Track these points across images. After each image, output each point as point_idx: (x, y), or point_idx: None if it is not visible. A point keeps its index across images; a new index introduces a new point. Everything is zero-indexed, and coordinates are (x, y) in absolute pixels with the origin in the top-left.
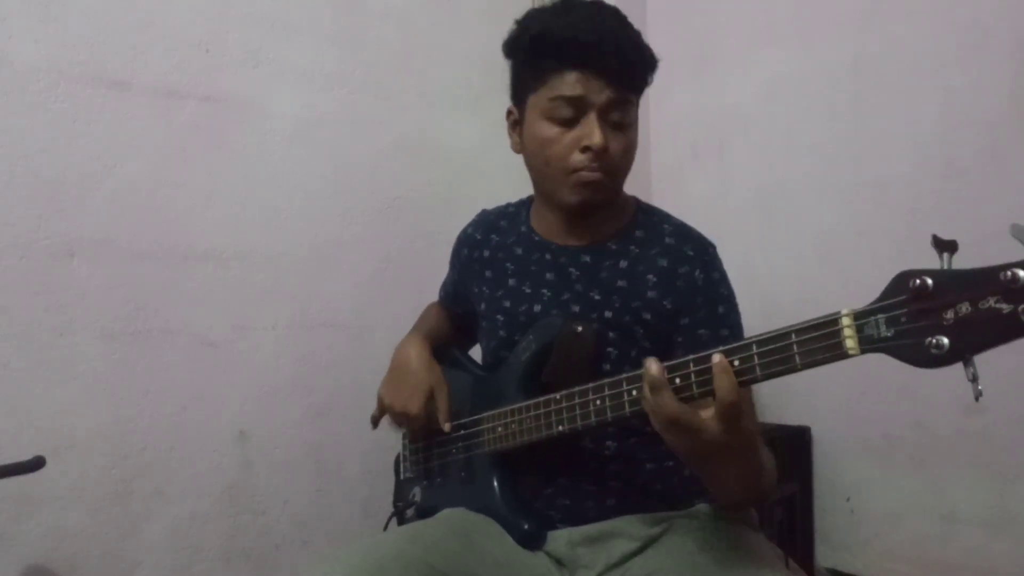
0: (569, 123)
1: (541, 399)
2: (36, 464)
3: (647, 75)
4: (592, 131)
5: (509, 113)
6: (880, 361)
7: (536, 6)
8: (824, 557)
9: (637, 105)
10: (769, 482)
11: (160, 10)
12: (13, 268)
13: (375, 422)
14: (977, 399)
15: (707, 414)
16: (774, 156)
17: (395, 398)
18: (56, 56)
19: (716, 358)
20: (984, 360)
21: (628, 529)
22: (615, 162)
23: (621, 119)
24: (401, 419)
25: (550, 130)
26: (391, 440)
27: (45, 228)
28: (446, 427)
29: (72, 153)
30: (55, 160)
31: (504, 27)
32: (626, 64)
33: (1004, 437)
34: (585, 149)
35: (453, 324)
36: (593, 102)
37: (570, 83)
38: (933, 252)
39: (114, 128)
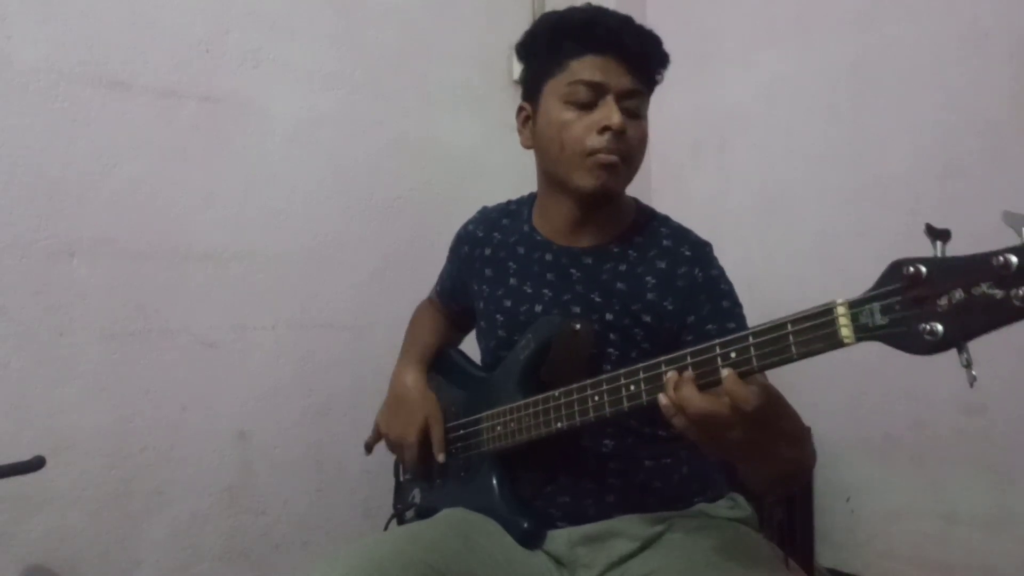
0: (587, 107)
1: (540, 397)
2: (36, 464)
3: (661, 69)
4: (611, 113)
5: (520, 110)
6: (880, 361)
7: (535, 8)
8: (824, 557)
9: (648, 102)
10: (808, 456)
11: (160, 10)
12: (13, 268)
13: (369, 448)
14: (972, 384)
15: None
16: (774, 156)
17: (392, 428)
18: (56, 56)
19: (725, 372)
20: (984, 360)
21: (628, 529)
22: (632, 148)
23: (636, 109)
24: (397, 448)
25: (568, 114)
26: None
27: (45, 228)
28: (440, 458)
29: (72, 153)
30: (55, 160)
31: (504, 27)
32: (644, 52)
33: (1004, 437)
34: (604, 130)
35: (448, 323)
36: (612, 87)
37: (590, 67)
38: (932, 249)
39: (114, 128)
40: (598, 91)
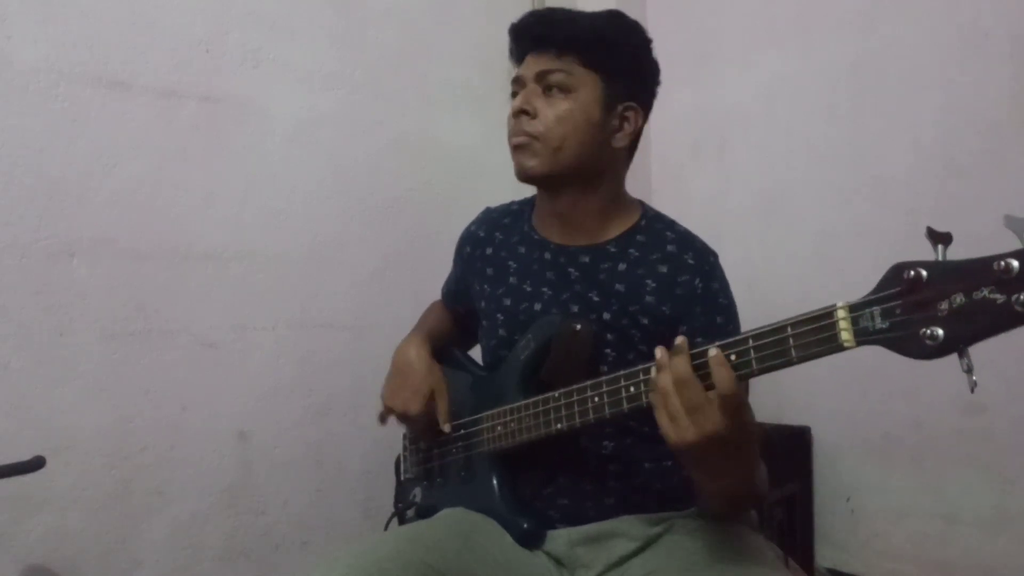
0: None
1: (540, 398)
2: (36, 464)
3: (581, 39)
4: (517, 99)
5: None
6: (880, 361)
7: (535, 7)
8: (824, 557)
9: (586, 73)
10: (762, 487)
11: (160, 10)
12: (13, 268)
13: (383, 419)
14: (972, 390)
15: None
16: (774, 156)
17: (395, 399)
18: (56, 56)
19: (712, 352)
20: (984, 360)
21: (628, 529)
22: (543, 127)
23: (562, 83)
24: (402, 420)
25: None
26: (391, 440)
27: (45, 228)
28: (446, 428)
29: (72, 153)
30: (55, 160)
31: (504, 27)
32: (547, 31)
33: (1004, 437)
34: (513, 116)
35: (454, 323)
36: (527, 76)
37: (519, 67)
38: (933, 252)
39: (114, 128)
40: (521, 85)
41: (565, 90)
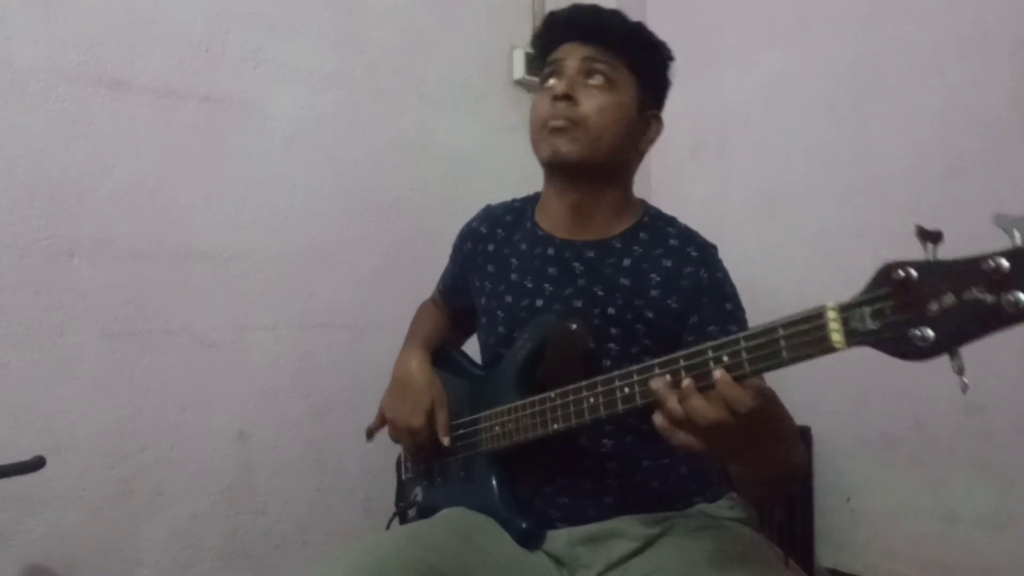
0: (552, 87)
1: (536, 398)
2: (36, 464)
3: (630, 39)
4: (559, 82)
5: None
6: (880, 361)
7: (535, 8)
8: (824, 557)
9: (627, 73)
10: (799, 463)
11: (160, 10)
12: (13, 268)
13: (370, 434)
14: (964, 391)
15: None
16: (774, 156)
17: (398, 413)
18: (56, 56)
19: (717, 374)
20: (984, 360)
21: (628, 529)
22: (586, 115)
23: (602, 75)
24: (404, 433)
25: (538, 96)
26: (391, 440)
27: (45, 228)
28: (445, 441)
29: (72, 153)
30: (55, 160)
31: (504, 27)
32: (599, 23)
33: (1004, 437)
34: (553, 99)
35: (449, 322)
36: (567, 60)
37: (555, 52)
38: (924, 254)
39: (114, 128)
40: (558, 68)
41: (608, 82)
